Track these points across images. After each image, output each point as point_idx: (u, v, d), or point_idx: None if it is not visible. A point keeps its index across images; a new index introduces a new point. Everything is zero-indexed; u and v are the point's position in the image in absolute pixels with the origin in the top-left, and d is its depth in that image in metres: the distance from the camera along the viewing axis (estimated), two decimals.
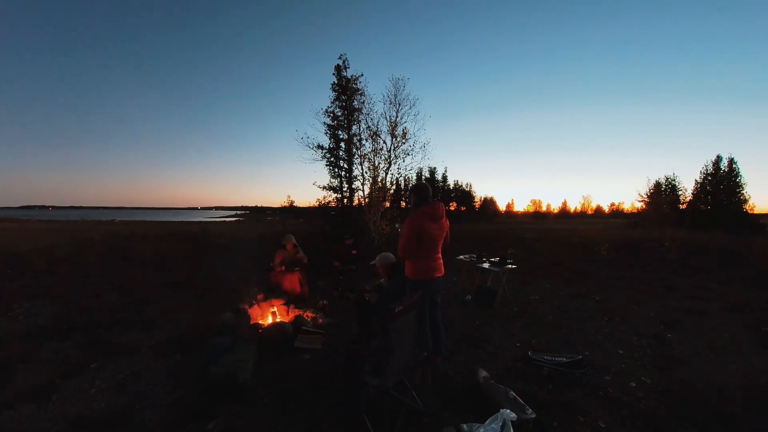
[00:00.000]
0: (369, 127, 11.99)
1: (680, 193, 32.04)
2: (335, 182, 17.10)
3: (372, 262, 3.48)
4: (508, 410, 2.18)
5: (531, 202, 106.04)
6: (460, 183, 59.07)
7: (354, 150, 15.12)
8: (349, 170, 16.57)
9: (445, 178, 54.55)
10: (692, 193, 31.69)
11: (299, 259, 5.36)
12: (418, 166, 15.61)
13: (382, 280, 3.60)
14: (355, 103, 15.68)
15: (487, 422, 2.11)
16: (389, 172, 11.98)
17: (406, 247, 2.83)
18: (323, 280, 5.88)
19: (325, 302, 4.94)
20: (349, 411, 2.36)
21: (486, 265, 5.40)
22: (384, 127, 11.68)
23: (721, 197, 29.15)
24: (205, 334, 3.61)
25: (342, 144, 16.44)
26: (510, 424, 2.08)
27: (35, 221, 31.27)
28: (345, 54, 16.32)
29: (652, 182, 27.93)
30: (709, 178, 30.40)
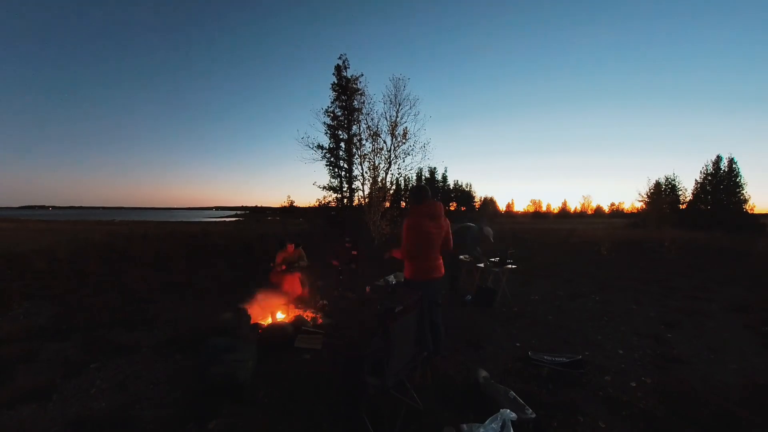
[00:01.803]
0: (369, 127, 12.00)
1: (680, 193, 32.10)
2: (335, 182, 17.14)
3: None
4: (508, 410, 2.18)
5: (531, 202, 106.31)
6: (460, 183, 59.23)
7: (354, 150, 15.14)
8: (349, 170, 16.59)
9: (445, 178, 54.65)
10: (692, 193, 31.73)
11: (300, 264, 5.33)
12: (418, 166, 15.61)
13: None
14: (355, 103, 15.70)
15: (487, 422, 2.11)
16: (389, 172, 11.99)
17: (410, 247, 2.80)
18: (323, 280, 5.88)
19: (325, 302, 4.94)
20: (349, 411, 2.36)
21: (486, 265, 5.40)
22: (384, 127, 11.70)
23: (721, 197, 29.17)
24: (205, 334, 3.61)
25: (342, 144, 16.46)
26: (510, 424, 2.08)
27: (35, 221, 31.27)
28: (345, 54, 16.36)
29: (652, 182, 27.99)
30: (709, 178, 30.41)
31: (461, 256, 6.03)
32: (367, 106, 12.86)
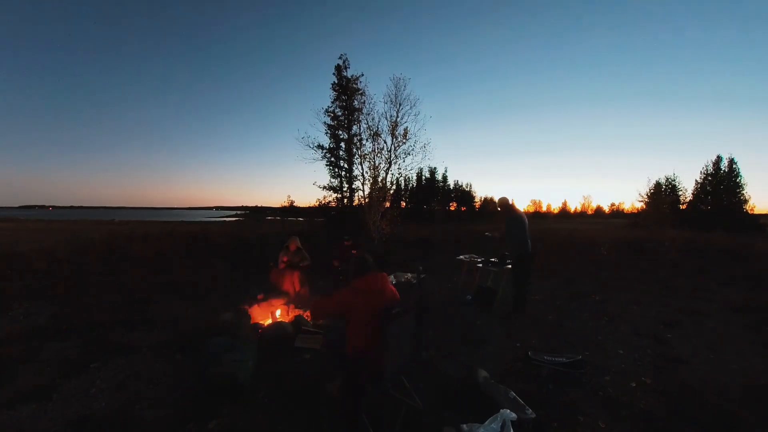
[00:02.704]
0: (369, 127, 12.00)
1: (680, 193, 32.09)
2: (335, 182, 17.13)
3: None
4: (508, 410, 2.17)
5: (531, 202, 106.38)
6: (460, 183, 59.09)
7: (354, 150, 15.14)
8: (350, 170, 16.59)
9: (445, 178, 54.47)
10: (692, 194, 31.74)
11: (302, 263, 5.31)
12: (418, 166, 15.56)
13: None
14: (356, 103, 15.70)
15: (487, 422, 2.11)
16: (389, 172, 11.99)
17: None
18: (323, 280, 5.88)
19: None
20: (348, 411, 2.36)
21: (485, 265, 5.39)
22: (384, 127, 11.70)
23: (722, 197, 29.17)
24: (205, 334, 3.60)
25: (342, 144, 16.46)
26: (510, 424, 2.08)
27: (35, 221, 31.24)
28: (345, 54, 16.36)
29: (653, 182, 27.99)
30: (710, 178, 30.43)
31: (461, 256, 6.02)
32: (367, 106, 12.86)
